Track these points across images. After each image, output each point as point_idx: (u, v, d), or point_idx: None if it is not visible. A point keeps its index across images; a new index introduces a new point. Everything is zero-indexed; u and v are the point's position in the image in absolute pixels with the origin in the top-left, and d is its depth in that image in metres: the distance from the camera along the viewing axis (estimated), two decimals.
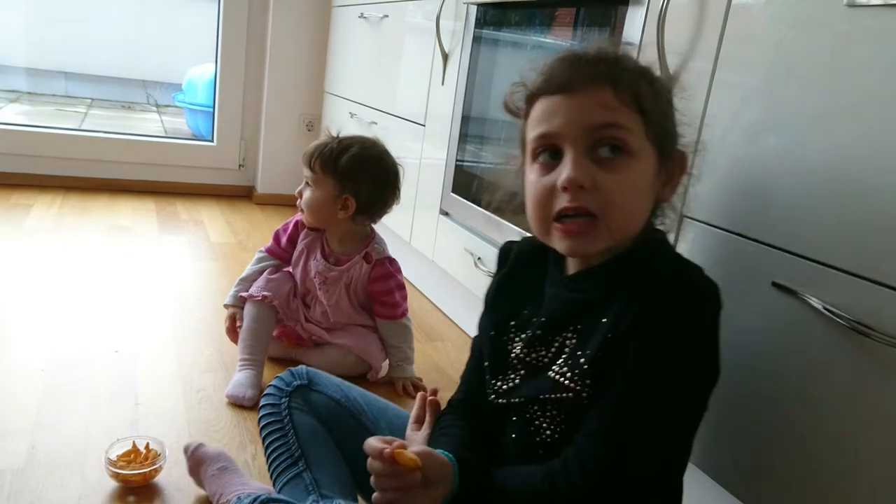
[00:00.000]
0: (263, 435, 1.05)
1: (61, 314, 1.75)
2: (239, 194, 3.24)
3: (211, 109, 3.24)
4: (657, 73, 0.81)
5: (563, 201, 0.75)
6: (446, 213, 1.95)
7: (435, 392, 1.02)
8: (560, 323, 0.83)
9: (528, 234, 0.91)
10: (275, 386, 1.08)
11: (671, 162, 0.81)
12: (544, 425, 0.82)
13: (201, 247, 2.49)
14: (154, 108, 5.94)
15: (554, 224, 0.78)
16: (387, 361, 1.66)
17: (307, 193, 1.57)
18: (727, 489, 1.03)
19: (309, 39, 3.06)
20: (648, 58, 1.18)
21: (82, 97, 5.82)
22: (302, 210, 1.60)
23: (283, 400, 1.05)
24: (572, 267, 0.85)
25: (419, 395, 1.03)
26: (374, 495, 0.75)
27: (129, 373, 1.50)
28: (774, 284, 0.94)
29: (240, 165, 3.23)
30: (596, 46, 0.80)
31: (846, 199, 0.86)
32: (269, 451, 1.04)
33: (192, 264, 2.31)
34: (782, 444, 0.93)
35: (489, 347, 0.90)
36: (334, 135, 1.59)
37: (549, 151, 0.78)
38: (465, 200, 1.85)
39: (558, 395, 0.79)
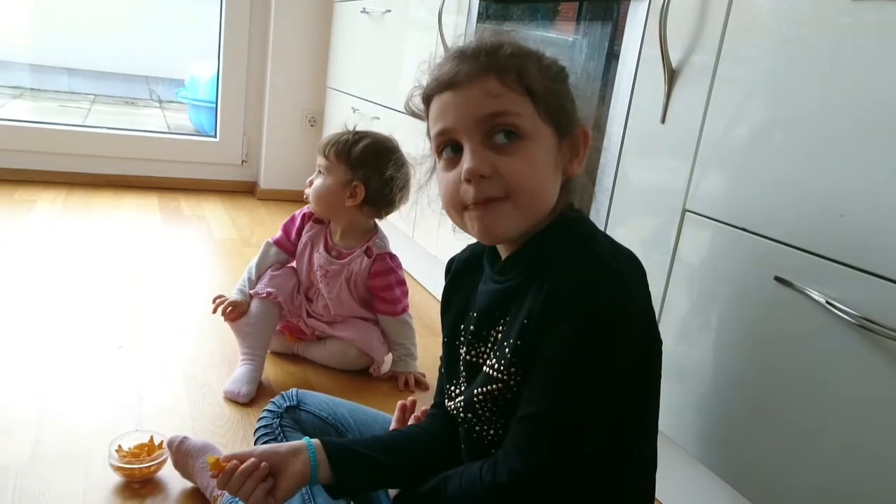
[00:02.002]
0: None
1: (65, 310, 1.75)
2: (242, 190, 3.25)
3: (213, 105, 3.24)
4: (544, 53, 0.80)
5: (469, 193, 0.77)
6: None
7: (413, 403, 1.06)
8: (491, 316, 0.83)
9: (472, 243, 0.93)
10: (268, 410, 1.13)
11: (574, 137, 0.81)
12: (486, 428, 0.83)
13: (204, 242, 2.49)
14: (157, 104, 5.95)
15: (466, 212, 0.79)
16: (390, 356, 1.67)
17: (318, 181, 1.58)
18: (733, 486, 1.03)
19: (311, 35, 3.06)
20: (650, 53, 1.18)
21: (85, 93, 5.83)
22: (307, 198, 1.61)
23: (275, 420, 1.10)
24: (501, 259, 0.86)
25: (398, 405, 1.06)
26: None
27: (132, 368, 1.50)
28: (777, 279, 0.93)
29: (242, 161, 3.24)
30: (478, 37, 0.82)
31: (849, 193, 0.85)
32: None
33: (195, 260, 2.31)
34: (788, 440, 0.93)
35: (445, 354, 0.93)
36: (350, 128, 1.59)
37: (450, 146, 0.80)
38: None
39: (489, 388, 0.80)
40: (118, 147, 3.05)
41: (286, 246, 1.66)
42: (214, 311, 1.56)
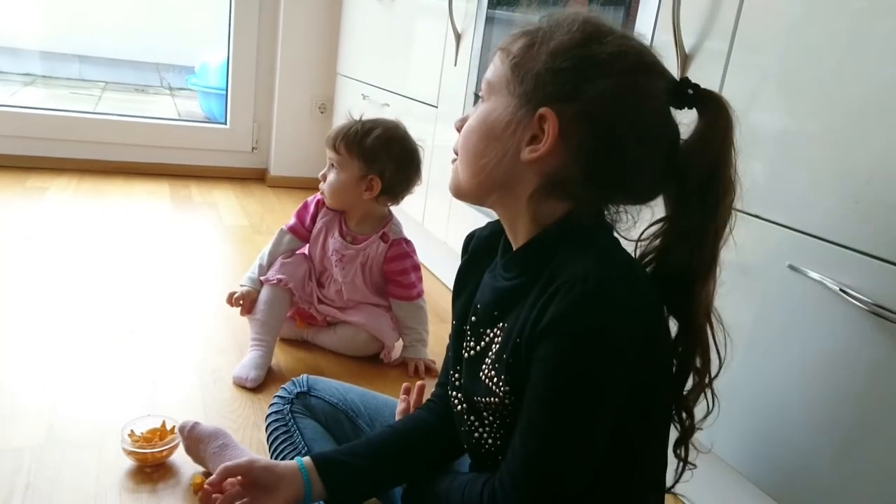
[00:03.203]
0: (271, 440, 1.10)
1: (77, 296, 1.76)
2: (252, 177, 3.25)
3: (224, 92, 3.24)
4: (553, 29, 0.74)
5: None
6: None
7: (422, 388, 1.07)
8: (490, 315, 0.81)
9: (491, 220, 0.90)
10: (279, 396, 1.14)
11: (540, 119, 0.72)
12: (485, 435, 0.82)
13: (215, 229, 2.50)
14: (167, 91, 5.95)
15: None
16: (400, 342, 1.67)
17: (332, 176, 1.58)
18: (751, 480, 1.03)
19: (321, 21, 3.05)
20: (663, 38, 1.17)
21: (96, 80, 5.84)
22: (323, 192, 1.61)
23: (286, 406, 1.12)
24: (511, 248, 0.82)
25: (403, 388, 1.08)
26: None
27: (144, 354, 1.52)
28: (790, 266, 0.93)
29: (252, 148, 3.24)
30: None
31: (863, 180, 0.84)
32: (275, 453, 1.07)
33: (205, 247, 2.32)
34: (801, 429, 0.93)
35: (453, 337, 0.91)
36: (356, 118, 1.59)
37: None
38: None
39: (488, 399, 0.78)
40: (129, 134, 3.06)
41: (300, 232, 1.67)
42: (230, 304, 1.59)
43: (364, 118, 1.60)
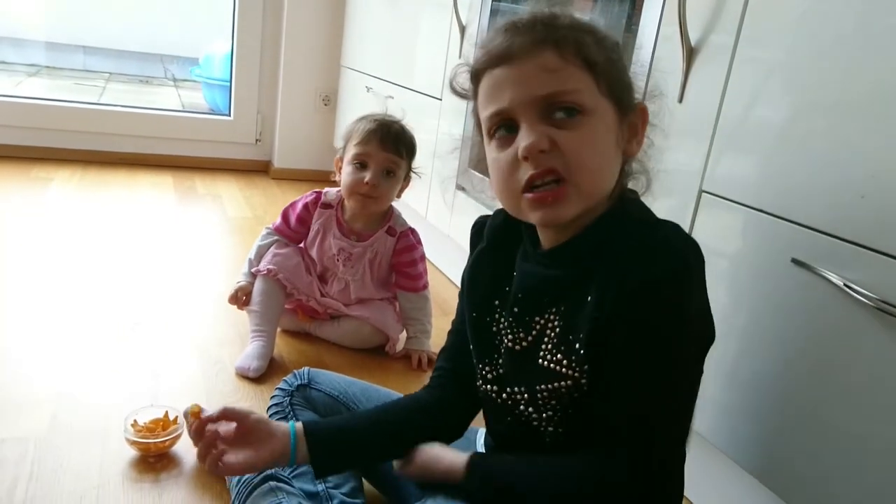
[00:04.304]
0: None
1: (81, 287, 1.77)
2: (256, 169, 3.25)
3: (228, 84, 3.24)
4: (596, 25, 0.76)
5: (527, 171, 0.72)
6: (462, 189, 1.94)
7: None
8: (538, 303, 0.80)
9: (500, 207, 0.88)
10: (280, 388, 1.15)
11: (634, 114, 0.77)
12: (545, 424, 0.80)
13: (218, 221, 2.50)
14: (171, 83, 5.95)
15: (524, 196, 0.74)
16: (404, 334, 1.67)
17: (389, 181, 1.55)
18: (754, 475, 1.03)
19: (325, 13, 3.04)
20: (669, 31, 1.16)
21: (100, 71, 5.84)
22: (372, 198, 1.54)
23: (286, 399, 1.12)
24: (546, 240, 0.81)
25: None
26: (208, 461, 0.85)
27: (147, 345, 1.52)
28: (794, 261, 0.92)
29: (256, 140, 3.24)
30: (531, 9, 0.76)
31: (869, 174, 0.84)
32: None
33: (209, 239, 2.32)
34: (805, 425, 0.93)
35: (473, 330, 0.89)
36: (387, 117, 1.58)
37: (504, 126, 0.75)
38: (481, 175, 1.83)
39: (556, 385, 0.77)
40: (133, 125, 3.06)
41: (286, 234, 1.65)
42: (231, 301, 1.60)
43: (384, 117, 1.58)
